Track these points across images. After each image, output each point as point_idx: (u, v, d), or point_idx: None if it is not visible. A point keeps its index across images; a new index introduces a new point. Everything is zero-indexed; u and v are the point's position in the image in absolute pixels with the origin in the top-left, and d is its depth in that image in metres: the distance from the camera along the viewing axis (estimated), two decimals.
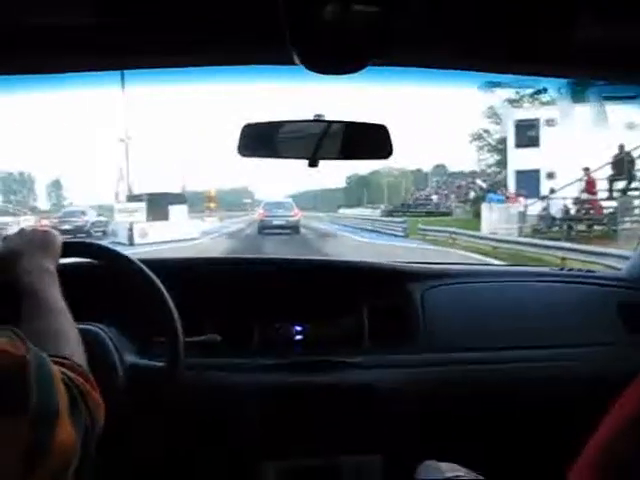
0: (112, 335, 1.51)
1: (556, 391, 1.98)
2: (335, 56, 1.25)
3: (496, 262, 10.41)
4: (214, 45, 1.39)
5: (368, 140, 1.70)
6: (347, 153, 1.74)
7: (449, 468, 1.55)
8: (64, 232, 23.91)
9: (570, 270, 2.41)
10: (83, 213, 26.83)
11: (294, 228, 23.47)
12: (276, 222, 23.60)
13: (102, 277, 1.63)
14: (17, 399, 0.75)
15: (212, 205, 33.97)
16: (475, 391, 1.97)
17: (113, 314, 1.56)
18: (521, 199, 22.37)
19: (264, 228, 23.30)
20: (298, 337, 2.00)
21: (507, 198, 23.83)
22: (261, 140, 1.71)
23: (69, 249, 1.35)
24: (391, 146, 1.65)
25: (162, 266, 1.67)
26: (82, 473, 0.85)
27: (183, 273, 1.98)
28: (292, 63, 1.28)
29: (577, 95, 1.84)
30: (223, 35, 1.34)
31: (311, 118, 1.68)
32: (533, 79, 1.63)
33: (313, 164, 1.67)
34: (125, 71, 1.55)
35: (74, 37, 1.30)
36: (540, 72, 1.57)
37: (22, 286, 1.16)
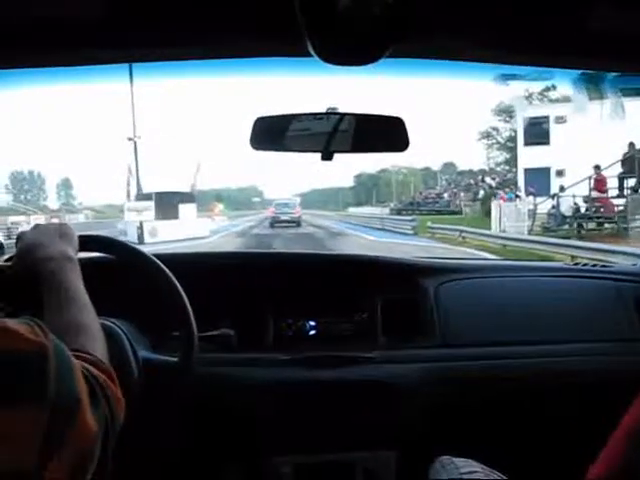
0: (126, 330, 1.50)
1: (572, 386, 1.97)
2: (351, 47, 1.24)
3: None
4: (227, 37, 1.38)
5: (383, 132, 1.68)
6: (362, 146, 1.72)
7: (465, 464, 1.54)
8: None
9: (585, 265, 2.38)
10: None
11: (297, 222, 30.75)
12: (283, 218, 30.95)
13: (116, 272, 1.63)
14: (36, 385, 0.74)
15: (216, 211, 36.41)
16: (489, 386, 1.96)
17: (127, 309, 1.55)
18: (528, 197, 22.33)
19: (274, 222, 30.40)
20: (312, 332, 1.99)
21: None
22: (273, 133, 1.69)
23: (84, 243, 1.34)
24: (407, 138, 1.63)
25: (176, 261, 1.66)
26: (101, 469, 0.83)
27: (197, 268, 1.97)
28: (307, 55, 1.27)
29: (593, 89, 1.82)
30: (237, 27, 1.33)
31: (324, 111, 1.67)
32: (549, 71, 1.61)
33: (327, 157, 1.65)
34: (135, 64, 1.54)
35: (83, 29, 1.29)
36: (557, 64, 1.55)
37: (44, 274, 1.14)
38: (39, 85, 1.66)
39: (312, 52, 1.25)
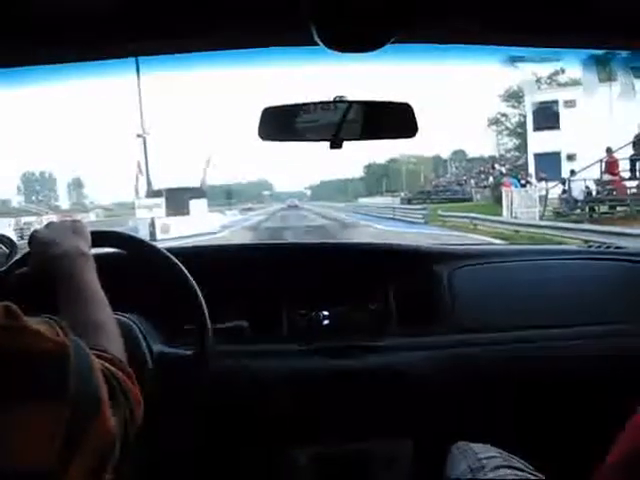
0: (140, 324, 1.50)
1: (587, 369, 1.95)
2: (356, 34, 1.23)
3: None
4: (231, 28, 1.37)
5: (392, 119, 1.66)
6: (370, 133, 1.70)
7: (482, 449, 1.53)
8: None
9: (599, 247, 2.36)
10: None
11: (297, 206, 54.98)
12: (291, 205, 55.78)
13: (129, 266, 1.63)
14: (56, 383, 0.73)
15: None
16: (504, 371, 1.95)
17: (140, 303, 1.55)
18: (539, 182, 22.23)
19: (288, 206, 54.29)
20: (325, 322, 1.98)
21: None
22: (281, 123, 1.68)
23: (97, 238, 1.34)
24: (416, 124, 1.62)
25: (188, 254, 1.67)
26: (120, 468, 0.83)
27: (209, 261, 1.97)
28: (312, 43, 1.26)
29: (602, 70, 1.79)
30: (241, 17, 1.32)
31: (331, 99, 1.65)
32: (558, 52, 1.59)
33: (336, 145, 1.64)
34: (140, 57, 1.52)
35: (89, 24, 1.28)
36: (567, 44, 1.52)
37: (60, 272, 1.13)
38: (46, 82, 1.66)
39: (317, 40, 1.24)
